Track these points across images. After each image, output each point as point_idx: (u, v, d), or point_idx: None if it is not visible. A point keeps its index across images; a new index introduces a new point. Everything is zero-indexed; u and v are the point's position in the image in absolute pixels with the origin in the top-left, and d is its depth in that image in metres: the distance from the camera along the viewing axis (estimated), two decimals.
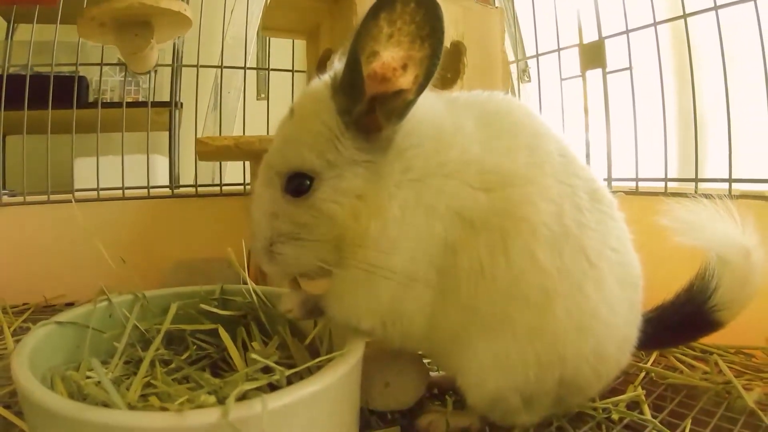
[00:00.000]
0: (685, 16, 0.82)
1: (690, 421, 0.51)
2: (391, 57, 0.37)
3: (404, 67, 0.38)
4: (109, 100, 1.69)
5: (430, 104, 0.43)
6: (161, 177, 1.33)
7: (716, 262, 0.55)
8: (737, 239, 0.53)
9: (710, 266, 0.55)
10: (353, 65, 0.38)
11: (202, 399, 0.30)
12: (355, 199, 0.40)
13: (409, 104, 0.39)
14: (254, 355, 0.36)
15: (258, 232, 0.43)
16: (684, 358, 0.67)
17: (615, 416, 0.52)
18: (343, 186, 0.40)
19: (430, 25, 0.36)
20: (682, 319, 0.57)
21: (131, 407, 0.33)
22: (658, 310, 0.58)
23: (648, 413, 0.52)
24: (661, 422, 0.51)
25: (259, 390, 0.34)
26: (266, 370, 0.40)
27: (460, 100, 0.47)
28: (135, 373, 0.45)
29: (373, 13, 0.36)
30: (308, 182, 0.40)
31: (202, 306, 0.52)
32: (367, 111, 0.40)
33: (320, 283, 0.45)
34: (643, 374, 0.62)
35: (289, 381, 0.37)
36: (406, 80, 0.38)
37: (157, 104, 1.41)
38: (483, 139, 0.43)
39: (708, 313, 0.55)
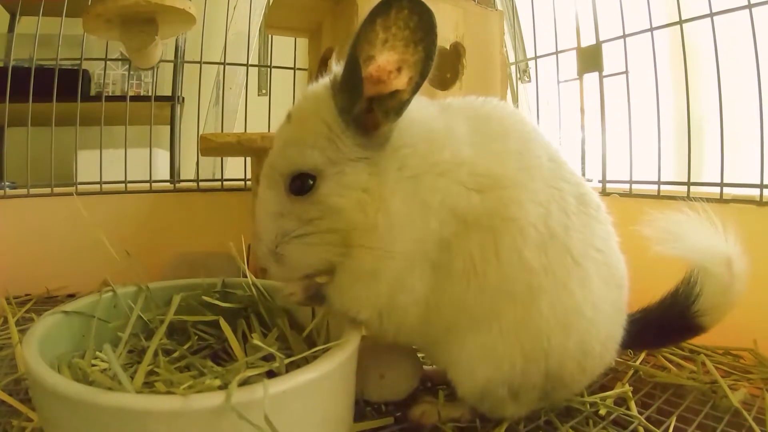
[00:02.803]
0: (681, 22, 0.84)
1: (675, 418, 0.52)
2: (386, 61, 0.39)
3: (399, 69, 0.40)
4: (110, 94, 1.69)
5: (423, 107, 0.45)
6: (162, 170, 1.35)
7: (699, 271, 0.57)
8: (719, 250, 0.55)
9: (694, 273, 0.57)
10: (352, 68, 0.39)
11: (206, 383, 0.32)
12: (360, 192, 0.41)
13: (405, 103, 0.41)
14: (256, 341, 0.37)
15: (263, 233, 0.44)
16: (673, 357, 0.68)
17: (602, 411, 0.53)
18: (346, 181, 0.41)
19: (423, 30, 0.38)
20: (667, 322, 0.59)
21: (138, 392, 0.34)
22: (644, 311, 0.59)
23: (635, 409, 0.54)
24: (647, 419, 0.52)
25: (259, 377, 0.35)
26: (266, 359, 0.41)
27: (454, 105, 0.49)
28: (138, 362, 0.46)
29: (370, 19, 0.37)
30: (311, 181, 0.42)
31: (204, 298, 0.53)
32: (365, 110, 0.41)
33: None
34: (631, 372, 0.64)
35: (287, 371, 0.38)
36: (400, 81, 0.40)
37: (159, 98, 1.42)
38: (475, 143, 0.44)
39: (691, 317, 0.57)
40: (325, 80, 0.44)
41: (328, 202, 0.41)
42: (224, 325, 0.50)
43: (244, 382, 0.32)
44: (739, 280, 0.55)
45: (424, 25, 0.38)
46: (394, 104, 0.41)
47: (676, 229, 0.54)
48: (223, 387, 0.32)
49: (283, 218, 0.43)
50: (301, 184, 0.42)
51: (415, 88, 0.40)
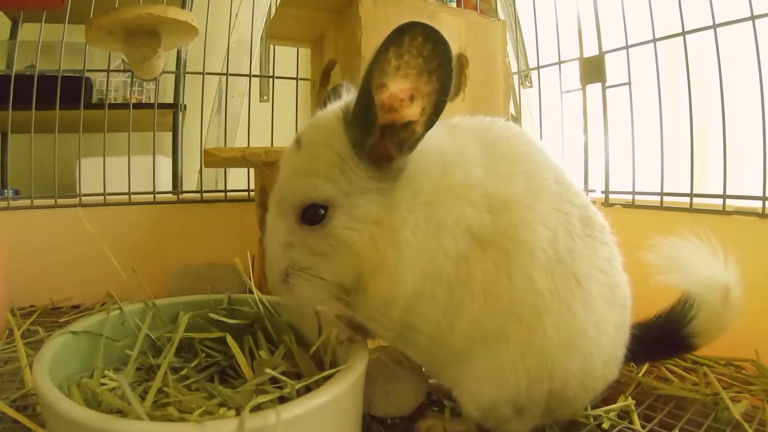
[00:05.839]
0: (684, 33, 0.84)
1: (677, 431, 0.53)
2: (399, 88, 0.39)
3: (411, 98, 0.39)
4: (112, 101, 1.69)
5: (434, 133, 0.44)
6: (164, 177, 1.35)
7: (696, 299, 0.58)
8: (717, 280, 0.56)
9: (690, 298, 0.58)
10: (365, 98, 0.39)
11: (221, 411, 0.32)
12: (372, 225, 0.41)
13: (419, 137, 0.41)
14: (267, 370, 0.37)
15: (274, 263, 0.44)
16: (675, 368, 0.69)
17: (606, 425, 0.53)
18: (359, 213, 0.41)
19: (438, 60, 0.37)
20: (660, 338, 0.60)
21: (148, 416, 0.35)
22: (639, 326, 0.59)
23: (637, 423, 0.54)
24: None
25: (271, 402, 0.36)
26: (274, 379, 0.42)
27: (461, 127, 0.49)
28: (146, 380, 0.47)
29: (383, 48, 0.37)
30: (322, 211, 0.41)
31: (211, 315, 0.53)
32: (378, 142, 0.41)
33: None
34: (634, 384, 0.64)
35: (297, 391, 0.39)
36: (413, 111, 0.40)
37: (161, 105, 1.42)
38: (485, 165, 0.45)
39: (684, 337, 0.59)
40: (335, 108, 0.44)
41: (341, 236, 0.41)
42: (231, 343, 0.50)
43: (255, 407, 0.32)
44: (733, 309, 0.56)
45: (439, 55, 0.37)
46: (406, 136, 0.40)
47: (679, 257, 0.55)
48: (235, 411, 0.33)
49: (294, 249, 0.43)
50: (313, 214, 0.42)
51: (429, 123, 0.40)
